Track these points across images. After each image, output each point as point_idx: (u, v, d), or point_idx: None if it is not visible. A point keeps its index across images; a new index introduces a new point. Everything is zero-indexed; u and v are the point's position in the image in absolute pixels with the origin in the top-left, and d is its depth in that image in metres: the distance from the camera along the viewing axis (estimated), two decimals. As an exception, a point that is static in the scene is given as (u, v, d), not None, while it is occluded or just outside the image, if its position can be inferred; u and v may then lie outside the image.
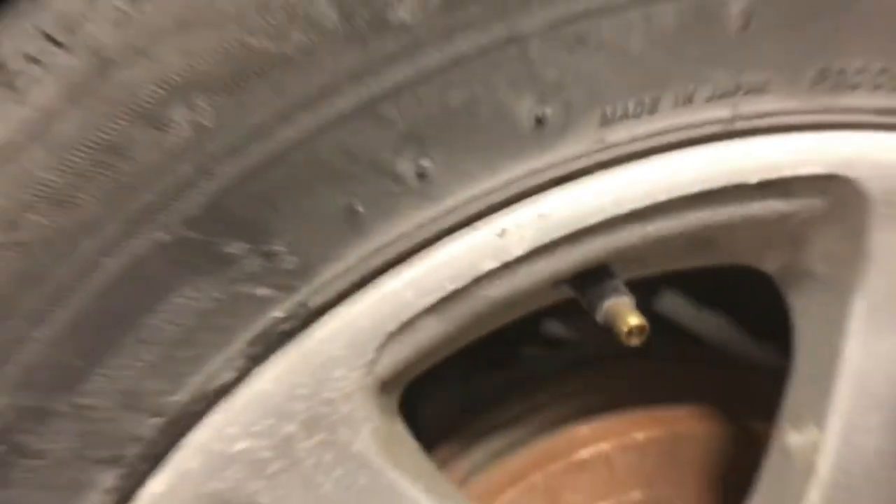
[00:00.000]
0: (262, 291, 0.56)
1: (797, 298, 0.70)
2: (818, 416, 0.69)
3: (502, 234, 0.57)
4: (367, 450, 0.60)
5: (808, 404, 0.71)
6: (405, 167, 0.55)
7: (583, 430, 0.86)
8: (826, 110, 0.60)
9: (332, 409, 0.58)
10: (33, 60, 0.54)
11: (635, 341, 0.63)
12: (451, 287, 0.58)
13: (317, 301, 0.57)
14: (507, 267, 0.58)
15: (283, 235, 0.55)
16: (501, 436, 0.88)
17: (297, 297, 0.57)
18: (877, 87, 0.61)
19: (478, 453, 0.87)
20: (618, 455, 0.85)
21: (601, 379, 0.91)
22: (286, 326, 0.57)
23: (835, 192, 0.62)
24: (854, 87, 0.60)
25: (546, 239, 0.58)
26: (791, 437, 0.72)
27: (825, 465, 0.69)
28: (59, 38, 0.54)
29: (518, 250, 0.58)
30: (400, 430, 0.65)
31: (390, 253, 0.57)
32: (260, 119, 0.53)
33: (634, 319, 0.62)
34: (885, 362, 0.68)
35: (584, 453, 0.85)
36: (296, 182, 0.54)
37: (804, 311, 0.70)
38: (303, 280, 0.56)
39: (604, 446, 0.85)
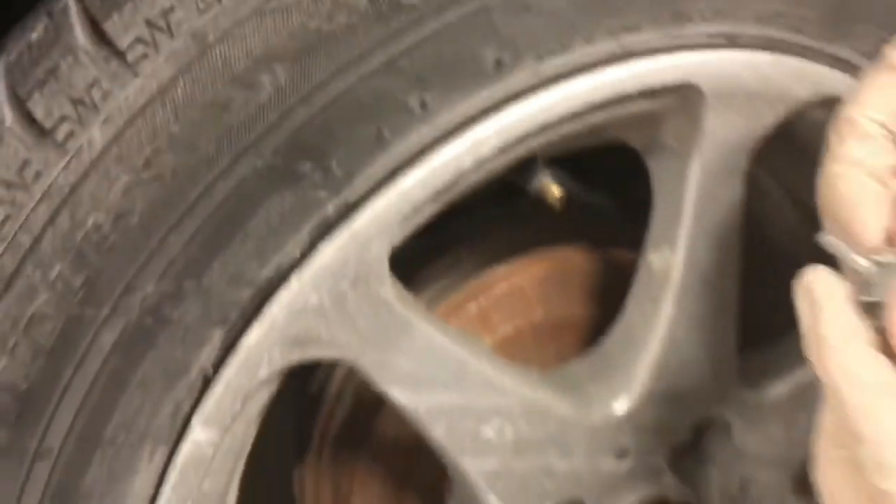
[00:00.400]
0: (320, 195, 0.81)
1: (655, 164, 1.00)
2: (671, 241, 1.00)
3: (477, 142, 0.84)
4: (389, 295, 0.87)
5: (663, 234, 1.01)
6: (413, 101, 0.81)
7: (499, 270, 1.16)
8: (677, 38, 0.89)
9: (370, 269, 0.84)
10: (142, 42, 0.75)
11: (558, 205, 0.93)
12: (444, 181, 0.84)
13: (355, 197, 0.82)
14: (479, 164, 0.85)
15: (336, 155, 0.80)
16: (439, 282, 1.17)
17: (342, 196, 0.82)
18: (706, 20, 0.90)
19: (425, 295, 1.15)
20: (526, 285, 1.16)
21: (507, 233, 1.20)
22: (335, 216, 0.82)
23: (683, 92, 0.92)
24: (694, 21, 0.89)
25: (504, 142, 0.85)
26: (652, 259, 1.03)
27: (676, 275, 1.00)
28: (159, 24, 0.75)
29: (487, 152, 0.85)
30: (397, 281, 0.92)
31: (404, 161, 0.83)
32: (319, 77, 0.77)
33: (557, 191, 0.92)
34: (712, 202, 1.00)
35: (503, 286, 1.15)
36: (344, 118, 0.79)
37: (659, 172, 1.01)
38: (347, 184, 0.81)
39: (516, 280, 1.16)
